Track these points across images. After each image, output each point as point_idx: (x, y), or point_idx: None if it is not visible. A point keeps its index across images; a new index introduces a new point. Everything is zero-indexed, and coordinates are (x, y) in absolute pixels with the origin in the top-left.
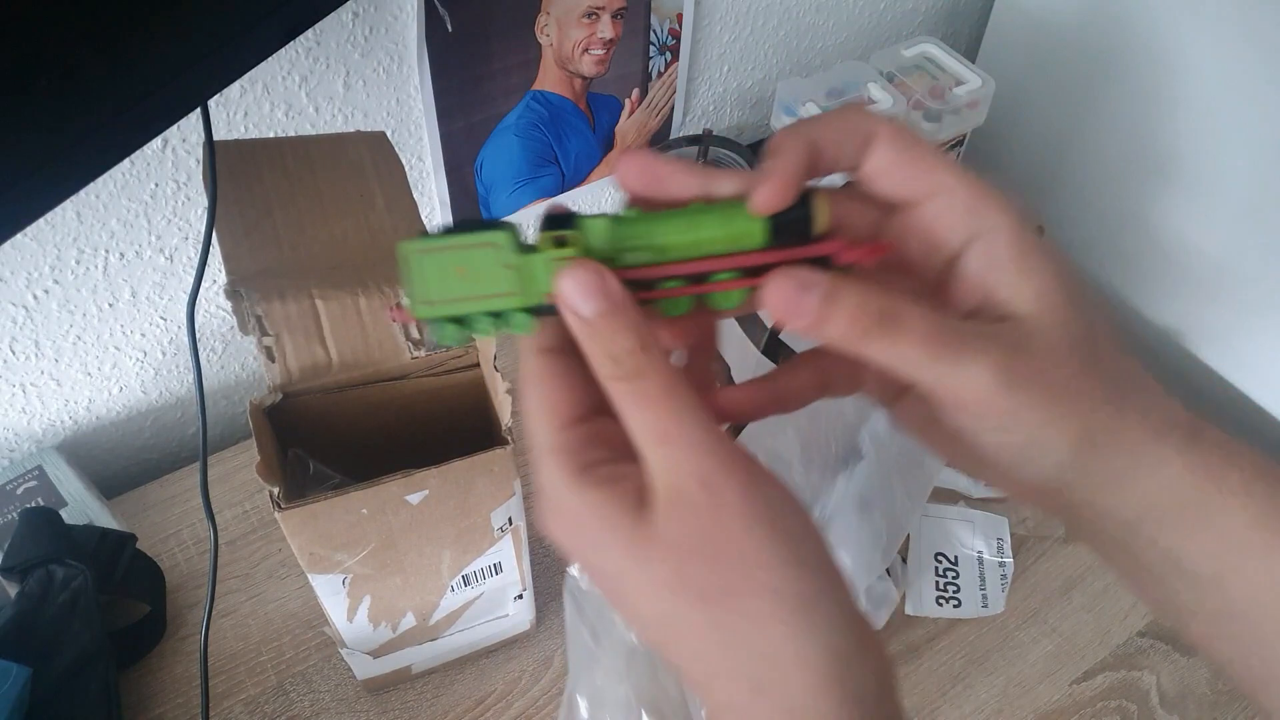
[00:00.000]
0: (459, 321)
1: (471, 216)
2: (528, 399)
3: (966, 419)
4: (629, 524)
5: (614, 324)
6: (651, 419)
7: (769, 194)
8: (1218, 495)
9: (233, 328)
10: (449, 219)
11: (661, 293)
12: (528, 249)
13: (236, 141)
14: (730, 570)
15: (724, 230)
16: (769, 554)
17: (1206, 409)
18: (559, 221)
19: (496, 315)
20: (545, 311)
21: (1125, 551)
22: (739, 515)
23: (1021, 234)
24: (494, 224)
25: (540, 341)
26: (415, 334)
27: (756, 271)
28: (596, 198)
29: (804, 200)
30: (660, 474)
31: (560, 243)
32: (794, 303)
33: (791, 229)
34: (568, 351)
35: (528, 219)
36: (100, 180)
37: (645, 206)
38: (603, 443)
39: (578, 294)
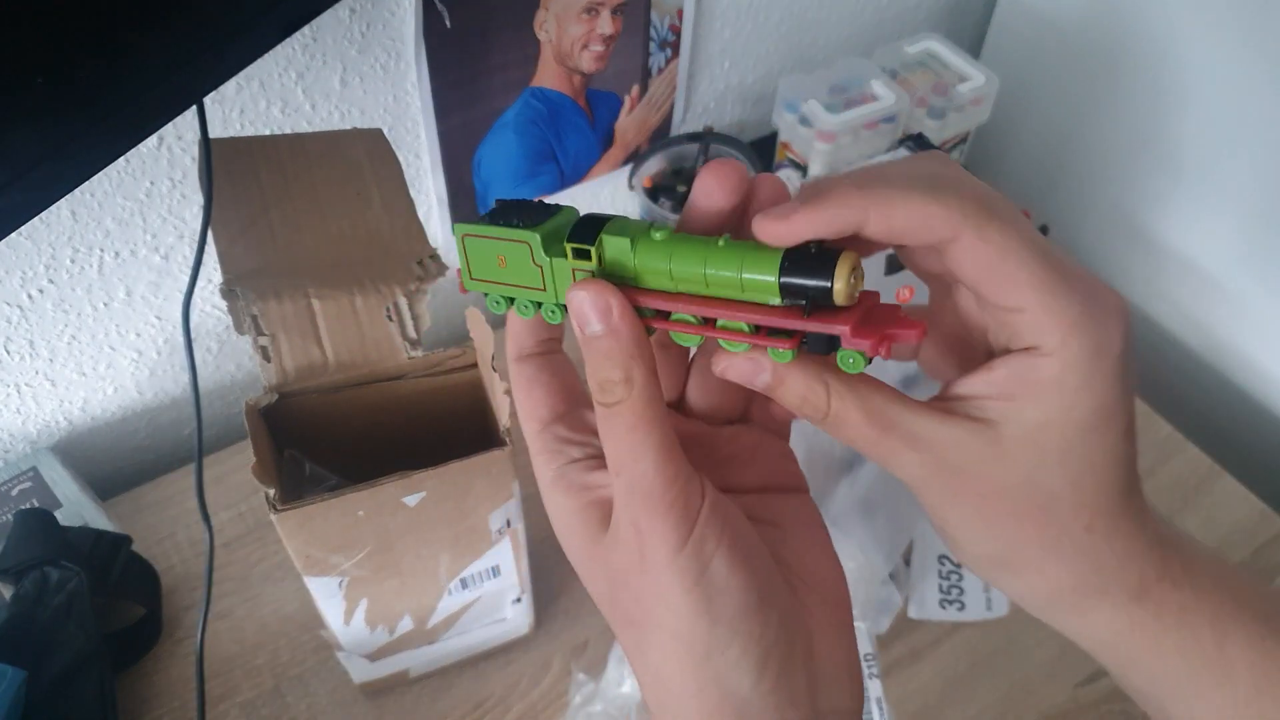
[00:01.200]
0: (508, 298)
1: (530, 199)
2: (516, 404)
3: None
4: (585, 535)
5: (607, 349)
6: (614, 449)
7: (780, 227)
8: (1155, 656)
9: (228, 327)
10: (447, 217)
11: (674, 324)
12: (557, 252)
13: (232, 139)
14: (647, 607)
15: (736, 278)
16: (679, 603)
17: (1209, 409)
18: (586, 231)
19: (536, 303)
20: None
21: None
22: (660, 564)
23: (1071, 370)
24: (548, 210)
25: (515, 350)
26: (412, 333)
27: (766, 331)
28: (595, 195)
29: (828, 267)
30: (615, 503)
31: (581, 254)
32: (749, 379)
33: (806, 293)
34: (542, 354)
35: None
36: (95, 178)
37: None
38: (580, 436)
39: (584, 310)
